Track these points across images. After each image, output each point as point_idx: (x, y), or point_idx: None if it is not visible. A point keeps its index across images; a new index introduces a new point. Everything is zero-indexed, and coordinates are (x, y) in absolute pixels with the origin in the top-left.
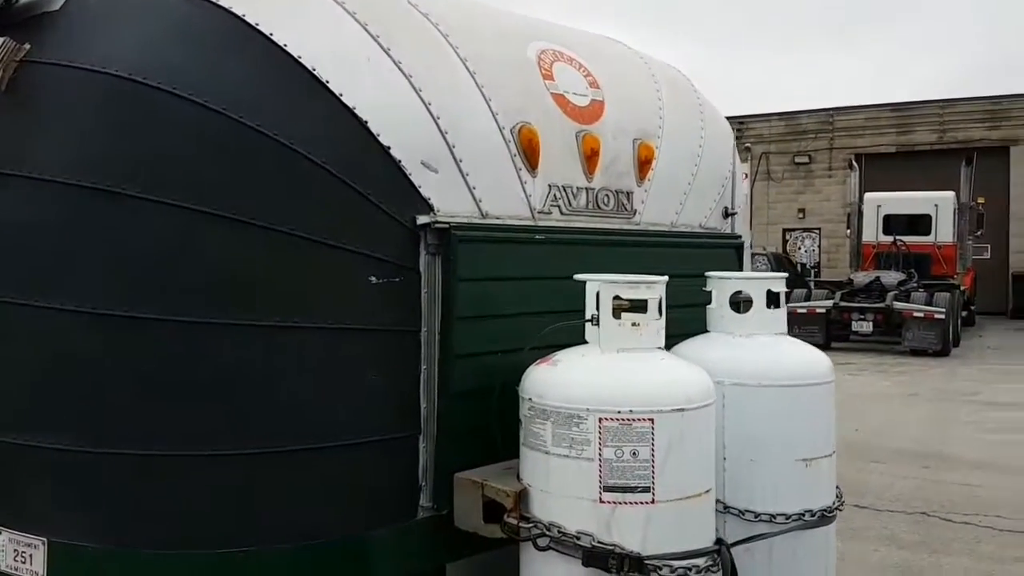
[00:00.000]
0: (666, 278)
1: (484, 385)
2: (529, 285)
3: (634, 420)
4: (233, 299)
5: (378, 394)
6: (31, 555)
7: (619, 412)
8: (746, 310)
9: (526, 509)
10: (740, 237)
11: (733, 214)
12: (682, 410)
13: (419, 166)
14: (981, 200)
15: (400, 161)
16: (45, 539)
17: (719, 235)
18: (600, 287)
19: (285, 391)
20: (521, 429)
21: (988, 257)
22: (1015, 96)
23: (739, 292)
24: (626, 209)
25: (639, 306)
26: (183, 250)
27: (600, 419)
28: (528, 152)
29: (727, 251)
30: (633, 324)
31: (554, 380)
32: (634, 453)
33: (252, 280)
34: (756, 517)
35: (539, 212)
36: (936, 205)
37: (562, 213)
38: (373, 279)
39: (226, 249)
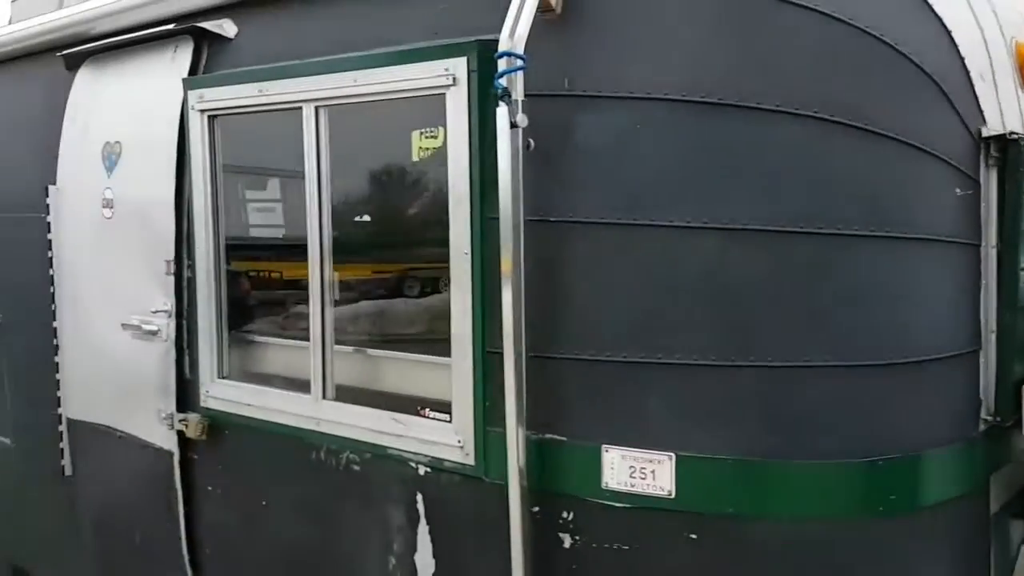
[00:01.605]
0: None
1: None
2: None
3: None
4: (861, 211)
5: (952, 309)
6: (654, 471)
7: None
8: None
9: None
10: None
11: None
12: None
13: (979, 77)
14: None
15: (970, 72)
16: (672, 454)
17: None
18: None
19: (900, 303)
20: None
21: None
22: None
23: None
24: None
25: None
26: (813, 162)
27: None
28: (1021, 67)
29: None
30: None
31: None
32: None
33: (874, 190)
34: None
35: None
36: None
37: None
38: (958, 191)
39: (853, 158)
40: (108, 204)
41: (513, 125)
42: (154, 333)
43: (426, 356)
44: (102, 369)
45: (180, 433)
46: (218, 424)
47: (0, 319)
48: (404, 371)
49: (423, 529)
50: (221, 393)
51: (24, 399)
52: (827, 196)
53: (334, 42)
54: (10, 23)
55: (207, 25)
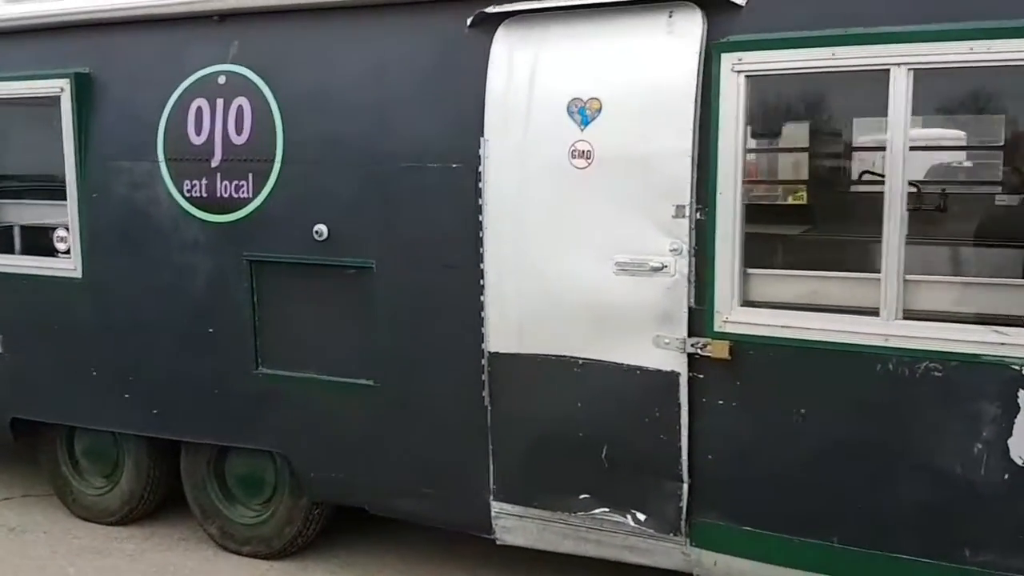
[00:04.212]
0: None
1: None
2: None
3: None
4: None
5: None
6: None
7: None
8: None
9: None
10: None
11: None
12: None
13: None
14: None
15: None
16: None
17: None
18: None
19: None
20: None
21: None
22: None
23: None
24: None
25: None
26: None
27: None
28: None
29: None
30: None
31: None
32: None
33: None
34: None
35: None
36: None
37: None
38: None
39: None
40: (582, 155)
41: None
42: (658, 269)
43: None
44: (559, 304)
45: (689, 355)
46: (740, 345)
47: (373, 265)
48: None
49: (1021, 418)
50: (745, 318)
51: (408, 340)
52: None
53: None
54: None
55: None
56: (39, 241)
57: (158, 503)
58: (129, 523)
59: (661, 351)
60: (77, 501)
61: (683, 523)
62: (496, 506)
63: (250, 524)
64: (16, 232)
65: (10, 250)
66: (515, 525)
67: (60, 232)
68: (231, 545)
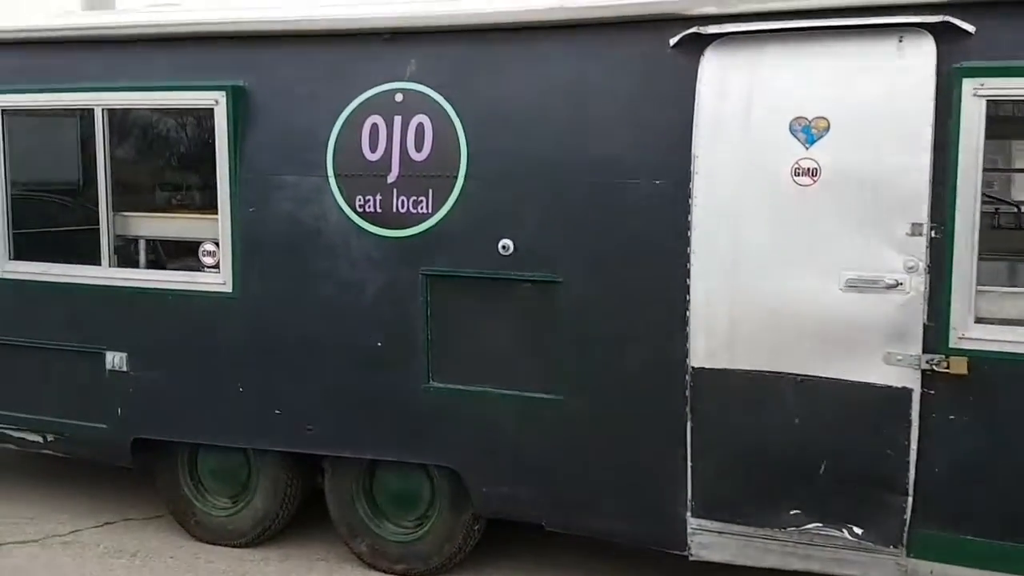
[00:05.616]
0: None
1: None
2: None
3: None
4: None
5: None
6: None
7: None
8: None
9: None
10: None
11: None
12: None
13: None
14: None
15: None
16: None
17: None
18: None
19: None
20: None
21: None
22: None
23: None
24: None
25: None
26: None
27: None
28: None
29: None
30: None
31: None
32: None
33: None
34: None
35: None
36: None
37: None
38: None
39: None
40: (807, 173)
41: None
42: (892, 286)
43: None
44: (778, 321)
45: (923, 371)
46: (976, 361)
47: (562, 280)
48: None
49: None
50: (981, 334)
51: (600, 355)
52: None
53: None
54: None
55: (956, 21)
56: (166, 255)
57: (288, 523)
58: (258, 545)
59: (892, 368)
60: (201, 523)
61: (904, 535)
62: (694, 522)
63: (404, 541)
64: (141, 246)
65: (135, 264)
66: (713, 541)
67: (207, 246)
68: (383, 564)
